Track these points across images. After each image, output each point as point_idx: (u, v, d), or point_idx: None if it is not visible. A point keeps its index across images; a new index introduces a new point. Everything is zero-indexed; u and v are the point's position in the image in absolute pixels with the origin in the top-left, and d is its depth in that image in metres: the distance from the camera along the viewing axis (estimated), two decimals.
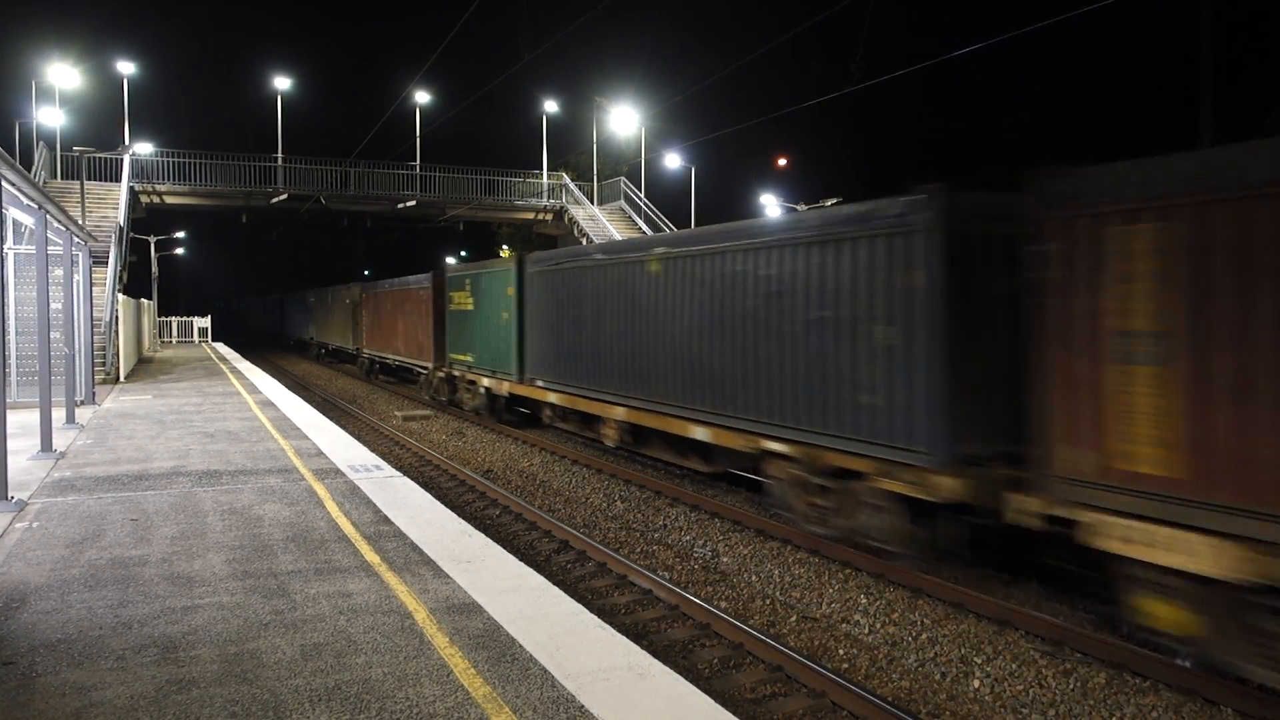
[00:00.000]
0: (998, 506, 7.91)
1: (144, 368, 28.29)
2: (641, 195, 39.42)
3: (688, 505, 12.73)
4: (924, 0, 70.56)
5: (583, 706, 4.37)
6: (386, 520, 8.17)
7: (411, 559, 6.92)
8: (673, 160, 39.83)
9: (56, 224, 13.70)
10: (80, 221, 22.41)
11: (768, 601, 9.23)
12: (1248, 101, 32.87)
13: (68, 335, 14.21)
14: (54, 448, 11.61)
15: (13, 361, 17.42)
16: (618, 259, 14.76)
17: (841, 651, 7.97)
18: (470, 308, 21.67)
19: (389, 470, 10.66)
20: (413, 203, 39.41)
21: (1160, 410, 6.61)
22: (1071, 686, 6.98)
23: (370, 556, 6.99)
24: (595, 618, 5.61)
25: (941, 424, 8.50)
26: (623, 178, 41.28)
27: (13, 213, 14.13)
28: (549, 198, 41.73)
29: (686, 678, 4.84)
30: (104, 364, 21.67)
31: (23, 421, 14.50)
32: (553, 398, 17.10)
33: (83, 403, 16.90)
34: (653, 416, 13.49)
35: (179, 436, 13.28)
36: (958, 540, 8.93)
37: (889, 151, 66.31)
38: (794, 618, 8.76)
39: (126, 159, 32.52)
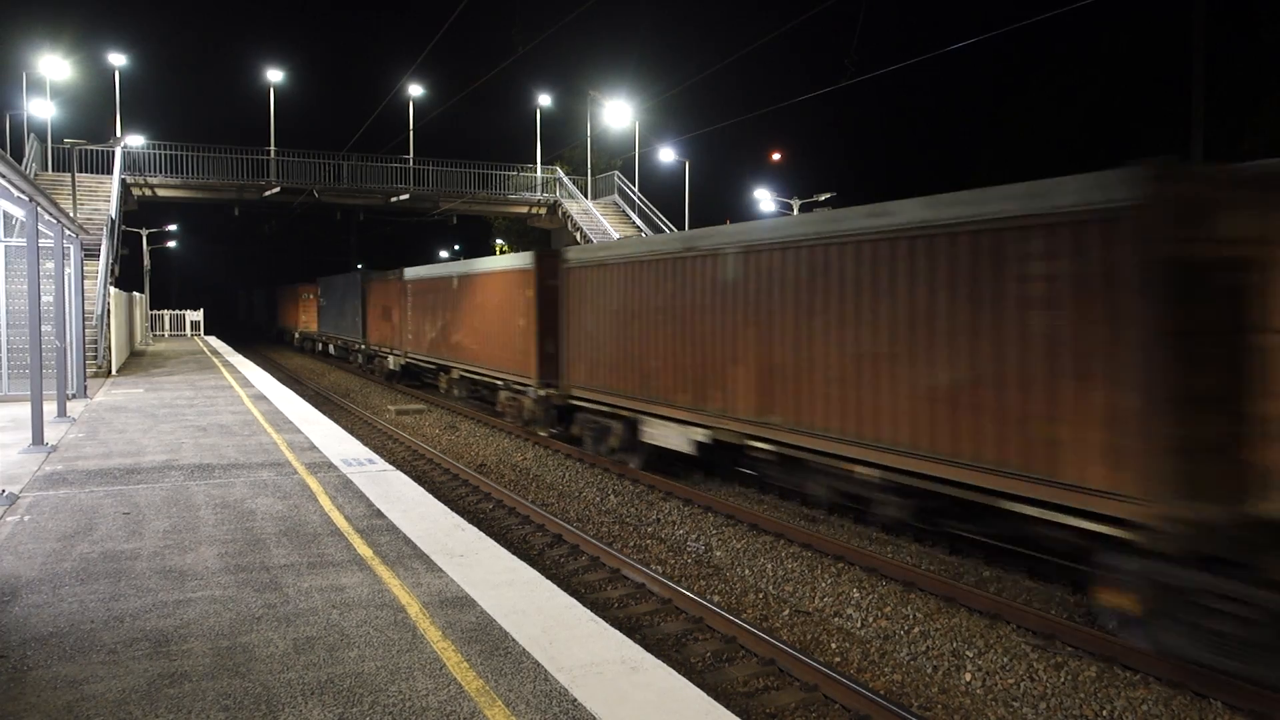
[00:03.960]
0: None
1: (136, 361, 28.20)
2: (635, 189, 39.38)
3: (681, 500, 12.74)
4: None
5: (576, 700, 4.38)
6: (379, 514, 8.17)
7: (404, 553, 6.92)
8: (667, 154, 39.78)
9: (48, 216, 13.62)
10: (71, 214, 22.30)
11: (761, 595, 9.25)
12: (1239, 93, 32.97)
13: (59, 328, 14.13)
14: (45, 441, 11.57)
15: (3, 355, 17.34)
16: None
17: (834, 645, 8.00)
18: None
19: (382, 464, 10.66)
20: (406, 196, 39.28)
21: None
22: (1062, 680, 7.01)
23: (363, 550, 6.98)
24: (588, 611, 5.61)
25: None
26: (616, 172, 41.22)
27: (3, 205, 14.07)
28: (543, 191, 41.65)
29: (679, 671, 4.86)
30: (95, 357, 21.57)
31: (14, 415, 14.45)
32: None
33: (74, 396, 16.84)
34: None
35: (171, 430, 13.25)
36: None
37: (883, 146, 66.41)
38: (787, 611, 8.78)
39: (118, 151, 32.31)
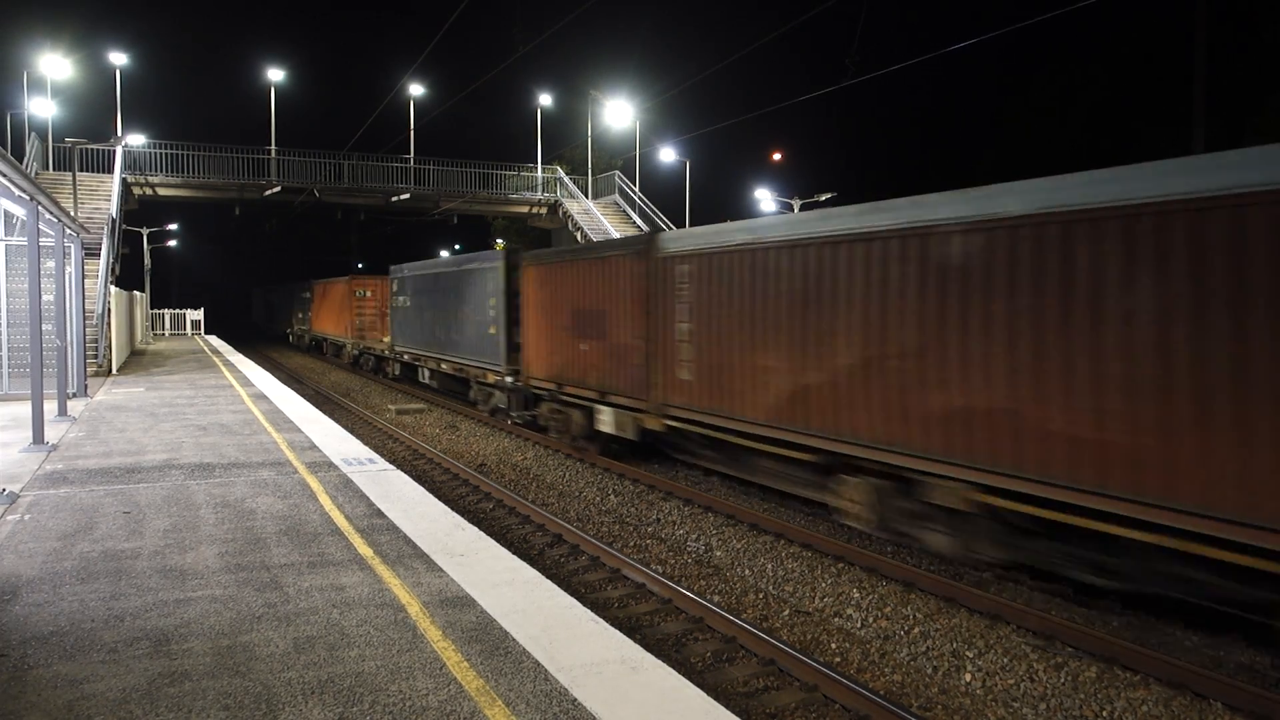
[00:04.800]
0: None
1: (136, 360, 28.20)
2: (636, 189, 39.37)
3: (681, 499, 12.74)
4: None
5: (576, 700, 4.38)
6: (380, 514, 8.17)
7: (405, 552, 6.92)
8: (667, 154, 39.78)
9: (48, 215, 13.63)
10: (72, 213, 22.30)
11: (761, 595, 9.25)
12: (1242, 92, 32.96)
13: (59, 327, 14.14)
14: (46, 440, 11.57)
15: (4, 354, 17.34)
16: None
17: (834, 645, 8.00)
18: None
19: (382, 464, 10.66)
20: (406, 196, 39.30)
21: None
22: (1062, 680, 7.01)
23: (363, 550, 6.98)
24: (588, 611, 5.61)
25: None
26: (617, 172, 41.22)
27: (4, 204, 14.07)
28: (543, 191, 41.67)
29: (679, 671, 4.86)
30: (96, 356, 21.58)
31: (14, 414, 14.45)
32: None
33: (75, 395, 16.84)
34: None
35: (171, 429, 13.25)
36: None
37: (885, 145, 66.42)
38: (787, 611, 8.78)
39: (119, 150, 32.31)
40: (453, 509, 8.52)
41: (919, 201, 8.85)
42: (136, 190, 35.24)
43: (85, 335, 18.98)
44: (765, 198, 36.96)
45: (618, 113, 39.38)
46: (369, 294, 34.77)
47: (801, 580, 9.44)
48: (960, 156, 52.81)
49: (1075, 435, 7.28)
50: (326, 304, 40.34)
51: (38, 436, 11.41)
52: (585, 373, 15.27)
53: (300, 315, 47.86)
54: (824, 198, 31.80)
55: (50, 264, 15.84)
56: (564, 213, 40.23)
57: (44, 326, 12.43)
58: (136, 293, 36.12)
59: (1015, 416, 7.78)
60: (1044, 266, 7.55)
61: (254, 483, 9.52)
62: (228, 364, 26.58)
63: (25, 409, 12.58)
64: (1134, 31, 39.50)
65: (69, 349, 15.51)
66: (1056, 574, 8.32)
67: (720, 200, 55.48)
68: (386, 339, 31.06)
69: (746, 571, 9.90)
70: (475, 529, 7.62)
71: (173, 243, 58.05)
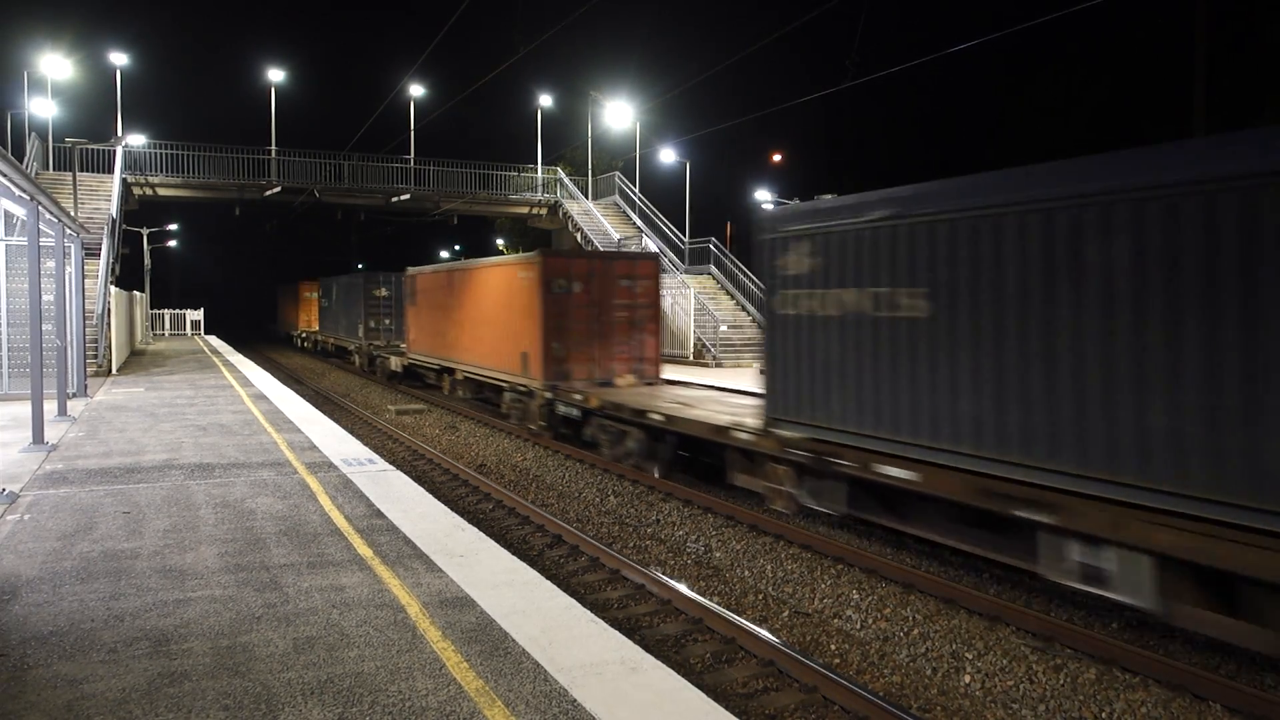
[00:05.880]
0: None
1: (136, 360, 28.20)
2: (636, 190, 39.37)
3: (680, 500, 12.74)
4: None
5: (575, 700, 4.38)
6: (379, 514, 8.17)
7: (404, 553, 6.92)
8: (667, 155, 39.77)
9: (49, 215, 13.63)
10: (72, 213, 22.31)
11: (760, 596, 9.25)
12: (1244, 92, 32.95)
13: (60, 327, 14.14)
14: (46, 440, 11.57)
15: (4, 353, 17.34)
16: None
17: (833, 646, 8.00)
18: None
19: (382, 464, 10.66)
20: (407, 196, 39.31)
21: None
22: (1061, 682, 7.01)
23: (363, 550, 6.98)
24: (588, 612, 5.61)
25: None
26: (617, 173, 41.23)
27: (5, 204, 14.08)
28: (543, 192, 41.69)
29: (679, 672, 4.86)
30: (96, 356, 21.57)
31: (14, 414, 14.45)
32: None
33: (75, 395, 16.84)
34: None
35: (171, 429, 13.25)
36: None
37: (888, 146, 66.42)
38: (786, 613, 8.78)
39: (119, 150, 32.30)
40: (452, 509, 8.52)
41: None
42: (136, 190, 35.24)
43: (85, 335, 18.98)
44: (766, 199, 36.98)
45: (618, 114, 39.37)
46: (577, 287, 17.35)
47: (801, 581, 9.44)
48: (963, 157, 52.79)
49: None
50: (454, 306, 22.50)
51: (37, 436, 11.41)
52: None
53: (372, 325, 33.98)
54: (825, 198, 31.80)
55: (50, 264, 15.83)
56: (564, 213, 40.24)
57: (44, 326, 12.43)
58: (136, 293, 36.13)
59: None
60: None
61: (254, 483, 9.52)
62: (227, 364, 26.58)
63: (25, 409, 12.58)
64: (1137, 31, 39.54)
65: (69, 349, 15.50)
66: None
67: (722, 201, 55.46)
68: (654, 385, 17.49)
69: (746, 572, 9.90)
70: (475, 530, 7.62)
71: (173, 243, 58.04)
